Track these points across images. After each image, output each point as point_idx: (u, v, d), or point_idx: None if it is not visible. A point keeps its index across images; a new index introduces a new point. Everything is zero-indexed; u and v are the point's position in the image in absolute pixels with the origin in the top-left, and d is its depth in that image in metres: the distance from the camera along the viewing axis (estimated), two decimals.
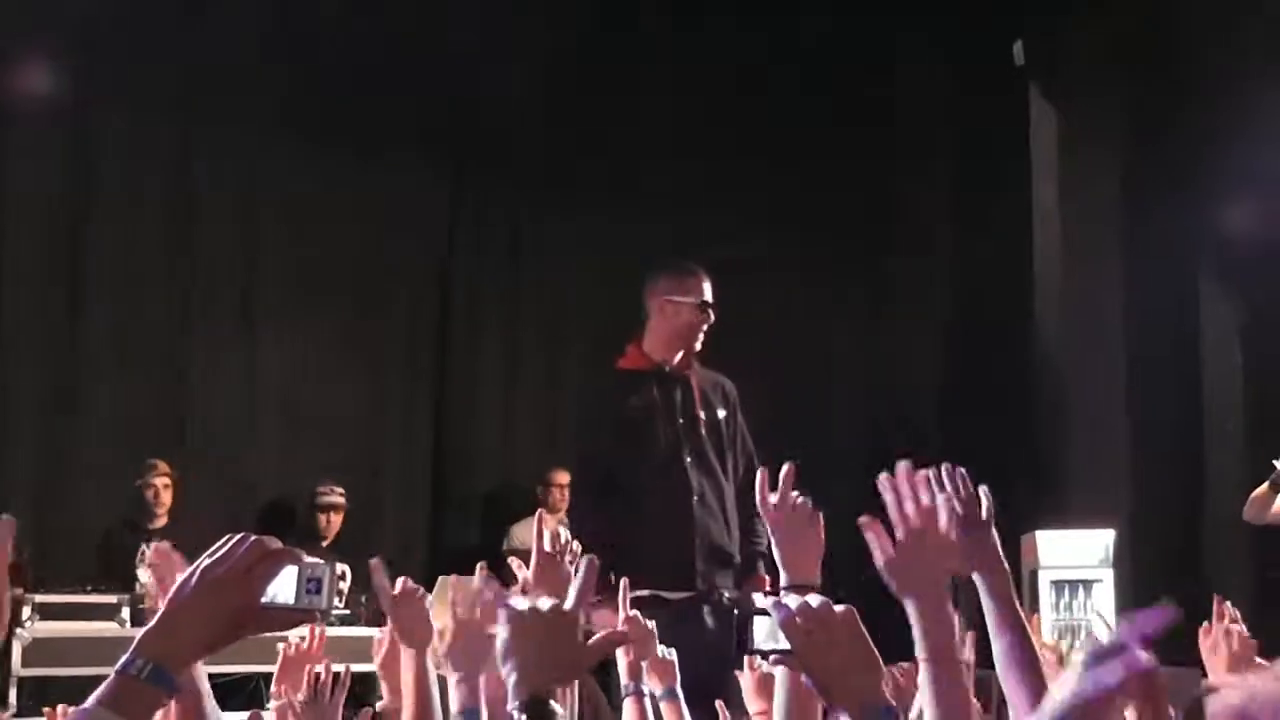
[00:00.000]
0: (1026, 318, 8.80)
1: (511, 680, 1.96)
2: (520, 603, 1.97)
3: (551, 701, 1.93)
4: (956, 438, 8.52)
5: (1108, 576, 7.14)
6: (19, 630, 5.98)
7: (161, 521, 7.33)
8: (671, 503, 5.16)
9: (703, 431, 5.29)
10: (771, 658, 2.05)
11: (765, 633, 2.10)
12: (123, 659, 1.76)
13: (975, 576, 2.64)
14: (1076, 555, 7.18)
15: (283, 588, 1.84)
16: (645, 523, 5.09)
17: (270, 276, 8.40)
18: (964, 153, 9.35)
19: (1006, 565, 2.64)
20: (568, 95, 8.72)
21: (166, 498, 7.37)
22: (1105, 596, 7.06)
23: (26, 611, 6.04)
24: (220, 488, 7.94)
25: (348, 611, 6.72)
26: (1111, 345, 8.40)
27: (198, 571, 1.82)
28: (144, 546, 7.20)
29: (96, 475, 7.77)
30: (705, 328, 5.34)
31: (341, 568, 7.51)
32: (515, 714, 1.93)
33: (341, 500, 7.90)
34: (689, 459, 5.24)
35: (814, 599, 2.03)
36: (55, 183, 7.96)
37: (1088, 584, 7.15)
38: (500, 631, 2.00)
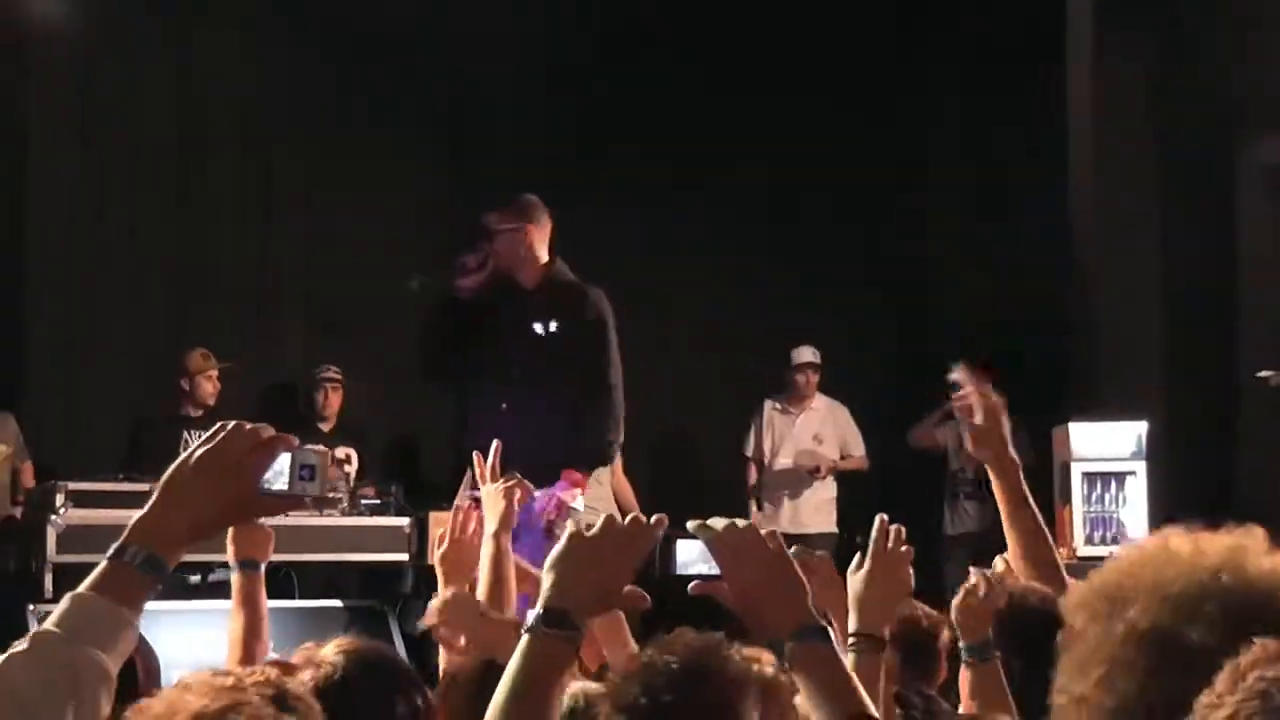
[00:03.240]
0: (1059, 204, 8.67)
1: (546, 589, 1.92)
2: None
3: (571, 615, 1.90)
4: (988, 329, 8.45)
5: (1140, 469, 7.09)
6: (53, 517, 6.02)
7: (200, 413, 7.44)
8: (479, 409, 5.75)
9: (529, 343, 5.75)
10: (694, 583, 2.01)
11: (690, 556, 2.07)
12: (115, 545, 1.77)
13: (990, 471, 3.07)
14: (1109, 447, 7.13)
15: (277, 474, 1.85)
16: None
17: None
18: (996, 34, 9.16)
19: (1018, 460, 3.12)
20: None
21: (212, 387, 7.51)
22: (1138, 489, 7.03)
23: (60, 499, 6.07)
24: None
25: (377, 501, 6.72)
26: (1145, 231, 8.26)
27: (192, 459, 1.82)
28: (186, 434, 7.27)
29: (128, 365, 7.92)
30: (505, 247, 5.85)
31: (346, 451, 7.45)
32: (534, 619, 1.89)
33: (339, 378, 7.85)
34: (514, 371, 5.74)
35: (740, 522, 2.02)
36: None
37: (1120, 476, 7.11)
38: (561, 540, 1.97)
